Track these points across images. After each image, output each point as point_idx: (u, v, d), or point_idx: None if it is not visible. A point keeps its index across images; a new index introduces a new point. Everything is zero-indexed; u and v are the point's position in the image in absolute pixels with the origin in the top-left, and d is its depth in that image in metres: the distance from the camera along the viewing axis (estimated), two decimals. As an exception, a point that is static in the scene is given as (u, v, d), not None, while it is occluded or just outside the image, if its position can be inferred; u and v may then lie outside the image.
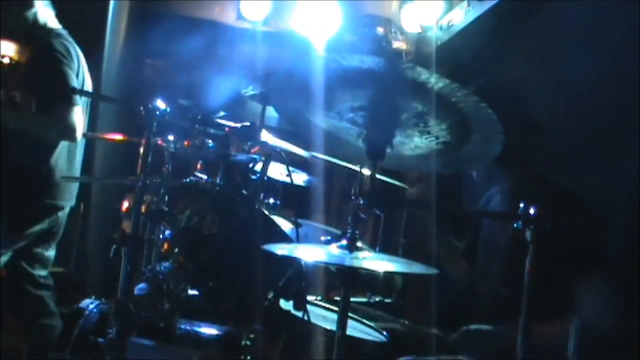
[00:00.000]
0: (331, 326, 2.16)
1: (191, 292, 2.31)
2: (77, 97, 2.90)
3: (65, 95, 2.87)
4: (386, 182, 2.82)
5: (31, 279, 2.99)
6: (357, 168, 2.68)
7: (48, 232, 3.01)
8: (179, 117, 2.36)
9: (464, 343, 2.01)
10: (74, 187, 3.09)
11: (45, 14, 3.04)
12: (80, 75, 3.02)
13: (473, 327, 2.04)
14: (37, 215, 2.96)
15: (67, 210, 3.07)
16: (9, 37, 3.01)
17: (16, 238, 2.92)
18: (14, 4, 2.97)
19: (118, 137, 2.88)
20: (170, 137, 2.45)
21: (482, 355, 1.99)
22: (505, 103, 1.47)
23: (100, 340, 1.98)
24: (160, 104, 2.04)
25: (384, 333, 2.18)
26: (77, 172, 3.10)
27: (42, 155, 2.94)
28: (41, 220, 2.96)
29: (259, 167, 2.48)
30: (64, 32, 3.05)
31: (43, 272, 3.03)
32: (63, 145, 2.98)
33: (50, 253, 3.07)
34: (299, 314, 2.07)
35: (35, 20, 3.01)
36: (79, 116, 2.91)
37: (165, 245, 2.33)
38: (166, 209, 2.33)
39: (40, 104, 2.91)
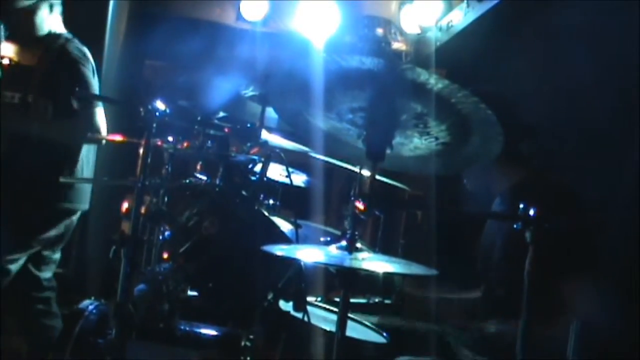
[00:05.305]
0: (331, 327, 2.16)
1: (191, 293, 2.31)
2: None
3: (88, 97, 2.86)
4: (386, 182, 2.82)
5: (37, 282, 2.98)
6: (356, 169, 2.69)
7: (61, 235, 3.01)
8: (178, 118, 2.36)
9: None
10: (88, 190, 3.09)
11: (54, 19, 3.02)
12: (95, 77, 3.01)
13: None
14: (54, 220, 2.96)
15: (79, 213, 3.07)
16: (18, 41, 2.97)
17: (33, 242, 2.91)
18: (24, 9, 2.91)
19: (117, 138, 2.87)
20: (170, 138, 2.45)
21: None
22: (493, 109, 1.46)
23: (100, 341, 1.98)
24: (160, 104, 2.04)
25: (384, 334, 2.18)
26: (91, 174, 3.10)
27: (68, 159, 2.94)
28: (58, 224, 2.97)
29: (258, 168, 2.48)
30: (71, 36, 3.03)
31: (48, 274, 3.03)
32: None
33: (57, 256, 3.06)
34: (299, 315, 2.07)
35: (44, 25, 2.97)
36: (102, 117, 2.92)
37: (165, 255, 2.32)
38: (166, 210, 2.33)
39: (61, 109, 2.89)
